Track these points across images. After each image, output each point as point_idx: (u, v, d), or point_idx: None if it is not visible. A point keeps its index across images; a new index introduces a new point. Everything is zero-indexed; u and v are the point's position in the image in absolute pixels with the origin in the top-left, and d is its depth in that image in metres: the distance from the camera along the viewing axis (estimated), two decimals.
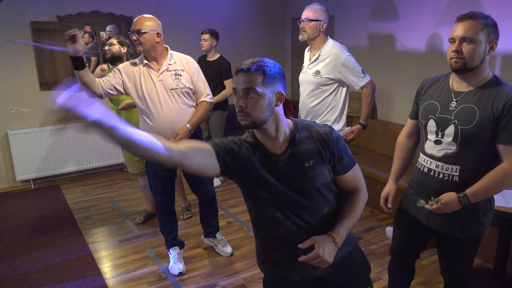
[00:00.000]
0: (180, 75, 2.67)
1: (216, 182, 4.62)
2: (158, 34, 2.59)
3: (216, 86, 4.26)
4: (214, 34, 4.25)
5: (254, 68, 1.31)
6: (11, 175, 4.70)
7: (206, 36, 4.23)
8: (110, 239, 3.53)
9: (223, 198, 4.35)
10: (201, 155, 1.36)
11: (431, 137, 1.75)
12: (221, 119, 4.44)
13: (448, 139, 1.68)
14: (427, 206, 1.71)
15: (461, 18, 1.63)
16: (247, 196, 1.46)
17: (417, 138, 1.94)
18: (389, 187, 1.97)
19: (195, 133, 2.80)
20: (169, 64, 2.66)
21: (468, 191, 1.64)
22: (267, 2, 5.84)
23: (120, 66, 2.68)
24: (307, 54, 3.05)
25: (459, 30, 1.62)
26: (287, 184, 1.36)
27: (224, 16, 5.56)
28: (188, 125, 2.68)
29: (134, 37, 2.56)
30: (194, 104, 2.77)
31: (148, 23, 2.56)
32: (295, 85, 3.22)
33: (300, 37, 2.92)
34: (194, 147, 1.35)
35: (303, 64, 3.08)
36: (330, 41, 2.92)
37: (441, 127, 1.71)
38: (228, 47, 5.66)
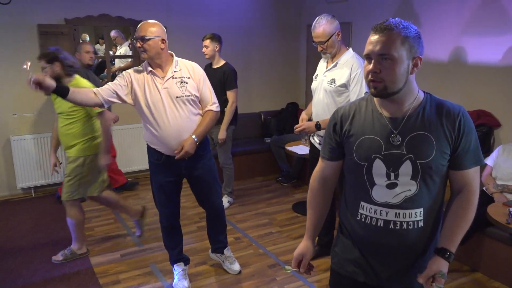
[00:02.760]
0: (186, 83, 2.68)
1: (225, 203, 4.44)
2: (163, 40, 2.62)
3: (220, 98, 3.83)
4: (216, 38, 4.06)
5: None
6: (12, 182, 4.74)
7: (207, 41, 4.05)
8: (112, 252, 3.52)
9: (231, 212, 4.33)
10: None
11: (381, 181, 1.46)
12: (228, 134, 4.25)
13: (405, 178, 1.43)
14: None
15: (376, 29, 1.40)
16: None
17: (334, 181, 1.66)
18: (305, 246, 1.66)
19: (202, 144, 2.80)
20: (175, 71, 2.68)
21: (448, 245, 1.45)
22: (281, 8, 5.88)
23: (129, 70, 2.71)
24: (323, 64, 3.06)
25: (375, 44, 1.39)
26: None
27: (237, 21, 5.60)
28: (193, 136, 2.68)
29: (138, 44, 2.59)
30: (200, 112, 2.78)
31: (153, 29, 2.58)
32: (310, 94, 3.22)
33: (324, 57, 2.99)
34: None
35: (317, 72, 3.09)
36: (350, 51, 2.96)
37: (392, 166, 1.44)
38: (240, 54, 5.69)
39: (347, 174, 1.59)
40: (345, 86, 2.86)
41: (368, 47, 1.42)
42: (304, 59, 6.06)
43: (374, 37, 1.41)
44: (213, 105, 2.79)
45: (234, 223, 4.07)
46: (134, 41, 2.63)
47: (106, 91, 2.61)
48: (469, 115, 1.46)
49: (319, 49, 2.92)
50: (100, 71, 5.92)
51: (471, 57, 3.90)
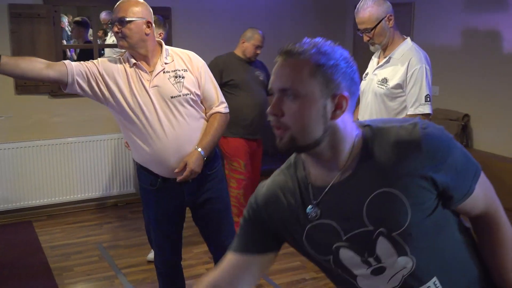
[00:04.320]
0: (182, 77, 2.62)
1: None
2: (148, 24, 2.56)
3: None
4: (159, 22, 3.89)
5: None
6: None
7: None
8: None
9: None
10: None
11: (361, 270, 1.35)
12: None
13: (391, 259, 1.32)
14: None
15: (280, 54, 1.31)
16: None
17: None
18: None
19: (210, 159, 2.74)
20: (165, 63, 2.62)
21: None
22: None
23: (100, 59, 2.61)
24: (374, 60, 3.08)
25: (276, 75, 1.30)
26: None
27: (265, 3, 5.60)
28: (199, 149, 2.62)
29: (116, 29, 2.53)
30: (204, 115, 2.73)
31: (135, 8, 2.54)
32: None
33: (372, 49, 2.99)
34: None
35: (367, 70, 3.11)
36: (408, 42, 2.95)
37: (365, 251, 1.32)
38: (269, 44, 5.66)
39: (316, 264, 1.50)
40: (400, 87, 2.86)
41: (271, 79, 1.32)
42: (350, 49, 6.00)
43: (276, 66, 1.31)
44: (221, 105, 2.75)
45: None
46: (111, 25, 2.58)
47: (77, 67, 2.51)
48: (432, 125, 1.31)
49: (365, 38, 2.92)
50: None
51: None
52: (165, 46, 2.69)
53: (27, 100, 4.83)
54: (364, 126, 1.35)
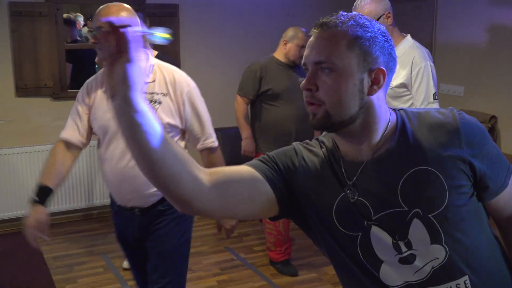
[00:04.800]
0: (159, 103, 2.41)
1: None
2: None
3: None
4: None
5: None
6: None
7: None
8: None
9: (264, 262, 4.26)
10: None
11: (389, 256, 1.34)
12: None
13: (423, 245, 1.32)
14: None
15: (315, 26, 1.38)
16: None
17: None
18: None
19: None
20: (145, 82, 2.41)
21: None
22: None
23: (81, 89, 2.58)
24: None
25: (311, 48, 1.33)
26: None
27: None
28: None
29: (93, 40, 2.38)
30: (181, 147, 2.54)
31: (116, 15, 2.33)
32: None
33: None
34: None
35: None
36: (409, 40, 3.02)
37: (396, 233, 1.33)
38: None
39: (330, 259, 1.45)
40: (404, 86, 2.93)
41: (304, 53, 1.36)
42: None
43: (311, 38, 1.36)
44: (209, 139, 2.55)
45: (268, 277, 4.01)
46: (90, 34, 2.51)
47: (74, 133, 2.55)
48: (465, 113, 1.36)
49: None
50: (87, 64, 6.00)
51: None
52: (151, 60, 2.49)
53: (28, 103, 4.85)
54: (398, 109, 1.40)
